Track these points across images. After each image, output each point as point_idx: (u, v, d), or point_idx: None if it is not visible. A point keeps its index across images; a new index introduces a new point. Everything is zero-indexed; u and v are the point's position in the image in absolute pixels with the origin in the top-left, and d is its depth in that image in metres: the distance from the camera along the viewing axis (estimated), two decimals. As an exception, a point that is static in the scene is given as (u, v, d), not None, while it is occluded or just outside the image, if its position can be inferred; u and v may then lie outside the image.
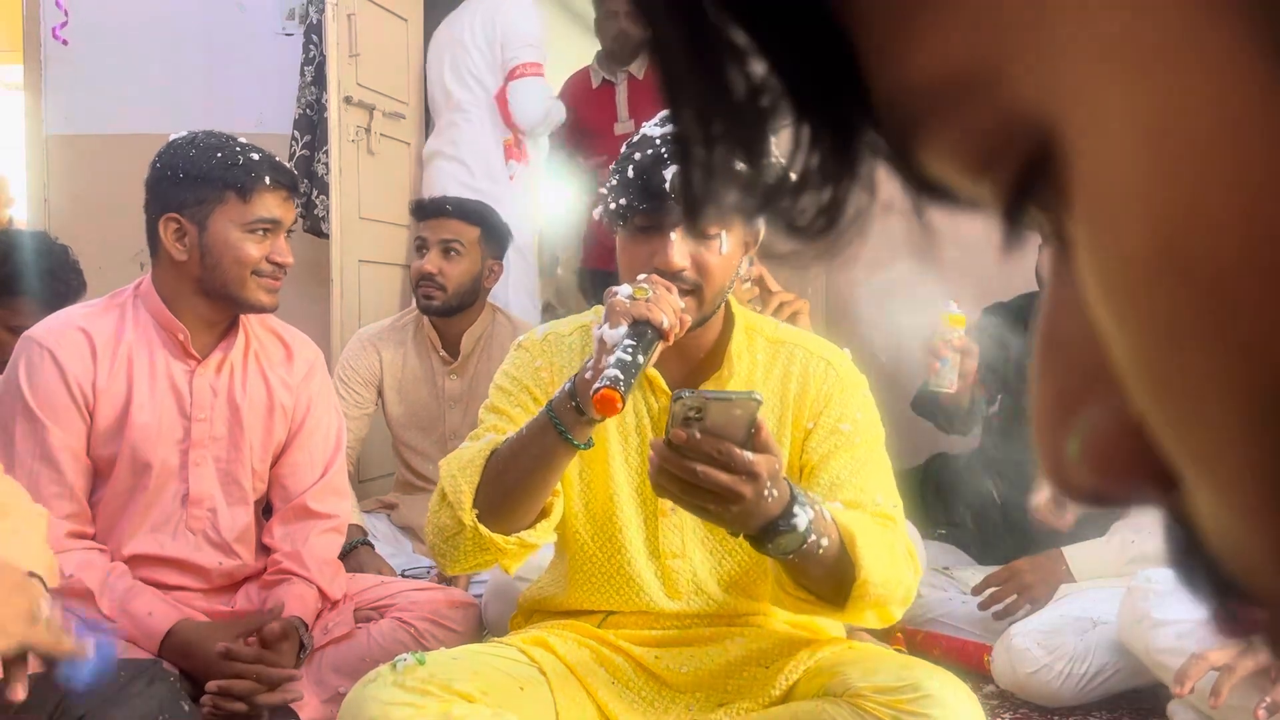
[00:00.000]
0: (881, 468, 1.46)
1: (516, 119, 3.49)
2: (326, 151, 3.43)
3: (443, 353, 2.82)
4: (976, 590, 2.17)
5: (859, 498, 1.40)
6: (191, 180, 1.80)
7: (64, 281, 2.33)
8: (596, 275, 3.68)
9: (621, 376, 1.17)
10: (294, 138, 3.60)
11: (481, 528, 1.33)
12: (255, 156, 1.81)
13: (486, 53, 3.51)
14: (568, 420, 1.28)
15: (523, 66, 3.42)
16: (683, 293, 1.33)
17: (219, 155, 1.80)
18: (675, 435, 1.12)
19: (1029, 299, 2.78)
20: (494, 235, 2.80)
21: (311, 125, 3.58)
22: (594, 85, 3.76)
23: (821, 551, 1.22)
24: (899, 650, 2.01)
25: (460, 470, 1.36)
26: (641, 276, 1.33)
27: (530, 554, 1.41)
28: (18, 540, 1.32)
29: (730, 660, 1.47)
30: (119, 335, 1.84)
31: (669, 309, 1.27)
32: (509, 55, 3.45)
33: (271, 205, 1.82)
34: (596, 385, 1.16)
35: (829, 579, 1.28)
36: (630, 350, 1.21)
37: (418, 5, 3.82)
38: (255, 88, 3.81)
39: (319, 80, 3.53)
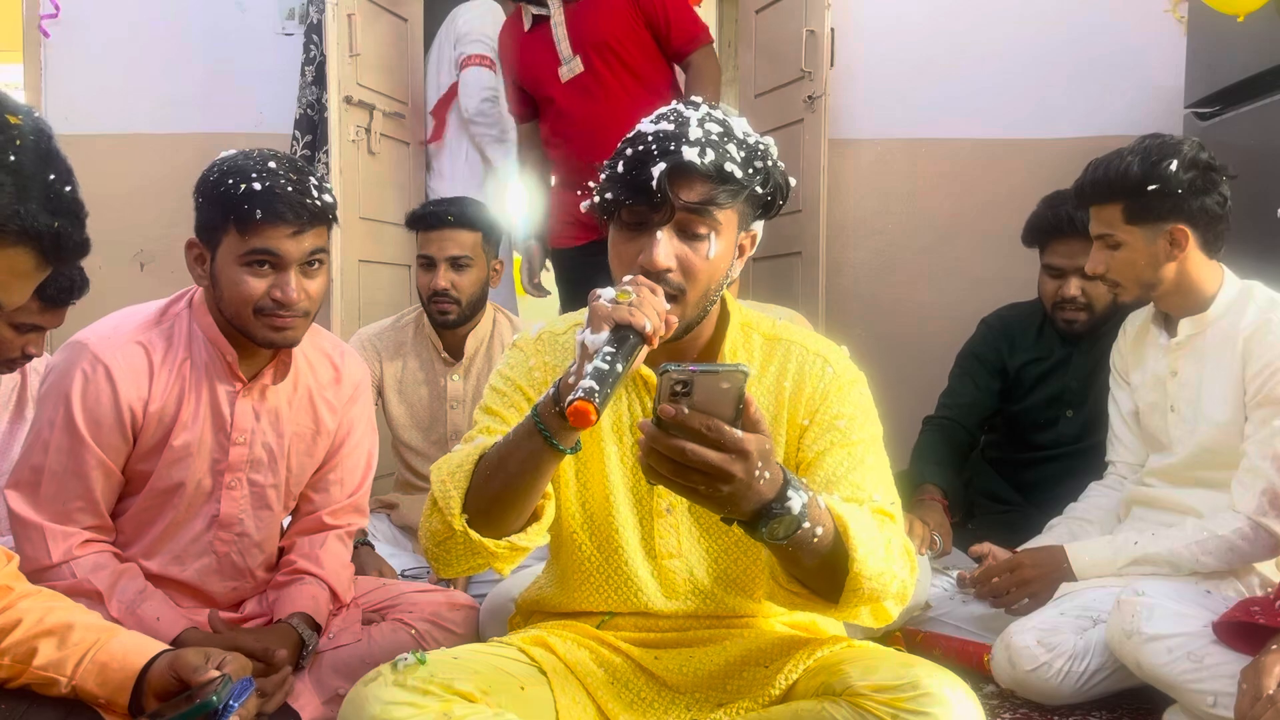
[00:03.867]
0: (879, 465, 1.44)
1: (461, 104, 3.66)
2: (327, 151, 3.43)
3: (445, 354, 2.82)
4: (978, 580, 2.18)
5: (855, 494, 1.37)
6: (204, 206, 1.74)
7: (68, 278, 2.32)
8: (559, 255, 3.47)
9: (596, 388, 1.13)
10: (294, 138, 3.61)
11: (472, 532, 1.33)
12: (258, 187, 1.67)
13: (451, 53, 3.72)
14: (553, 425, 1.26)
15: (469, 58, 3.62)
16: (667, 295, 1.31)
17: (229, 182, 1.69)
18: (663, 410, 1.09)
19: (1030, 309, 2.76)
20: (492, 235, 2.80)
21: (312, 125, 3.58)
22: (526, 28, 3.28)
23: (815, 540, 1.19)
24: (898, 650, 2.01)
25: (449, 475, 1.35)
26: (626, 278, 1.31)
27: (523, 556, 1.39)
28: None
29: (729, 660, 1.46)
30: (174, 352, 1.79)
31: (652, 312, 1.25)
32: (459, 50, 3.66)
33: (270, 239, 1.69)
34: (570, 397, 1.12)
35: (823, 570, 1.26)
36: (609, 358, 1.18)
37: (418, 5, 3.82)
38: (255, 88, 3.82)
39: (319, 80, 3.53)
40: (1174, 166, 2.00)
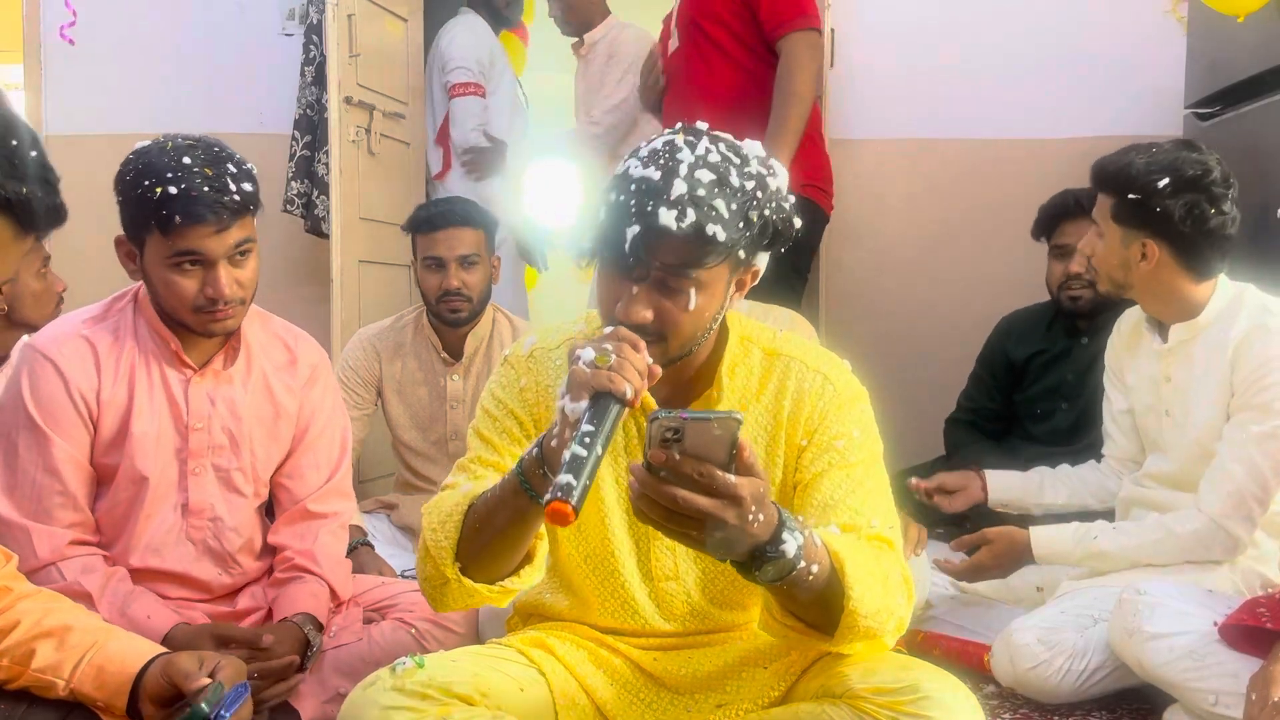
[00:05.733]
0: (879, 488, 1.39)
1: (453, 138, 3.76)
2: (327, 151, 3.43)
3: (444, 354, 2.82)
4: (947, 565, 2.25)
5: (854, 520, 1.34)
6: (125, 206, 1.74)
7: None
8: None
9: (574, 483, 1.07)
10: (294, 138, 3.61)
11: (465, 580, 1.33)
12: (174, 190, 1.66)
13: (440, 79, 3.83)
14: (538, 485, 1.23)
15: (454, 88, 3.74)
16: (649, 341, 1.26)
17: (145, 183, 1.68)
18: (653, 456, 1.06)
19: (1042, 308, 2.81)
20: (491, 232, 2.81)
21: (311, 125, 3.59)
22: None
23: (811, 578, 1.17)
24: (899, 651, 2.01)
25: (440, 524, 1.34)
26: (608, 329, 1.26)
27: (518, 592, 1.39)
28: None
29: (729, 661, 1.46)
30: (120, 344, 1.82)
31: (634, 374, 1.19)
32: (445, 78, 3.76)
33: (193, 240, 1.69)
34: (548, 496, 1.07)
35: (817, 606, 1.24)
36: (587, 440, 1.12)
37: (418, 5, 3.82)
38: (255, 88, 3.82)
39: (319, 80, 3.54)
40: (1163, 183, 1.97)
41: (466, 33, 3.81)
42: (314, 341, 2.03)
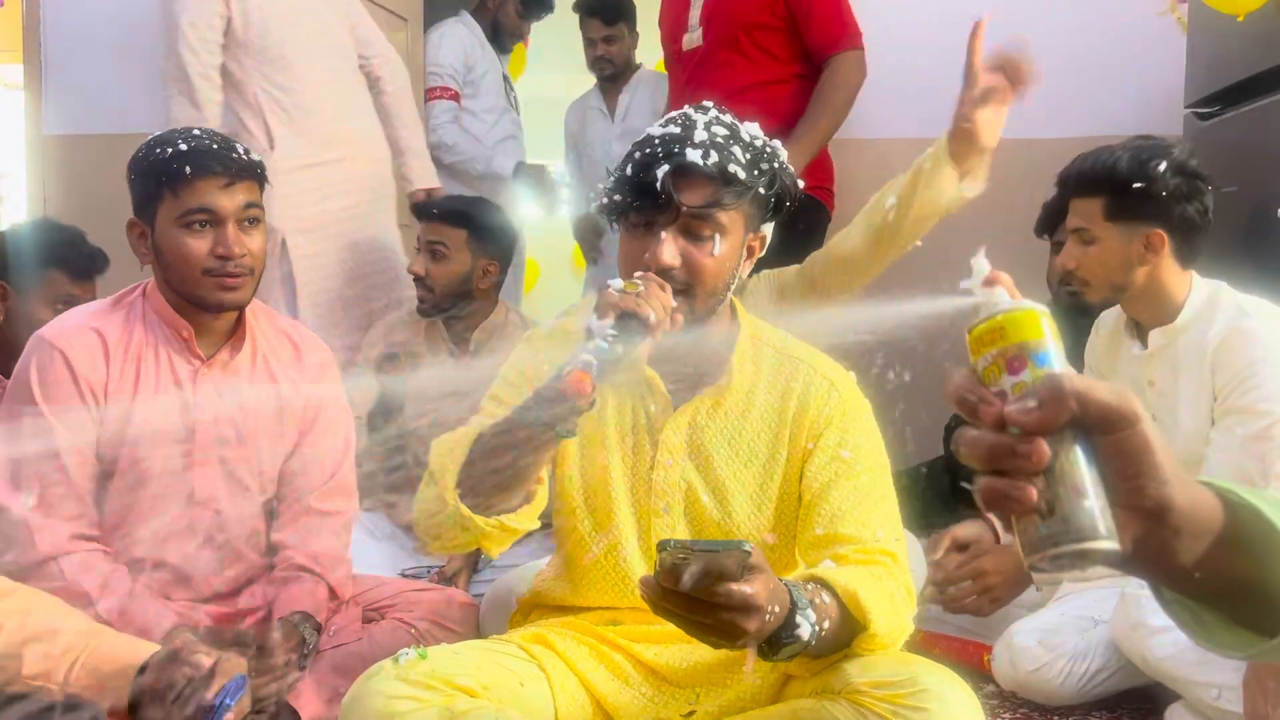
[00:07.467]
0: (884, 499, 1.44)
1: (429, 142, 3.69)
2: (327, 151, 3.42)
3: (451, 346, 2.83)
4: (938, 584, 2.18)
5: (860, 532, 1.39)
6: (137, 182, 1.79)
7: (89, 250, 2.41)
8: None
9: (594, 361, 1.22)
10: (294, 137, 3.59)
11: (463, 508, 1.34)
12: (184, 147, 1.75)
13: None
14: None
15: (428, 91, 3.75)
16: (675, 292, 1.34)
17: (156, 151, 1.76)
18: (664, 580, 1.08)
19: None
20: (484, 235, 2.77)
21: (312, 125, 3.57)
22: None
23: (823, 633, 1.22)
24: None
25: (448, 450, 1.37)
26: (637, 274, 1.34)
27: (511, 538, 1.40)
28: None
29: (729, 657, 1.45)
30: (129, 335, 1.83)
31: (658, 304, 1.29)
32: (426, 84, 3.77)
33: (203, 194, 1.75)
34: (569, 366, 1.20)
35: (828, 644, 1.27)
36: (610, 339, 1.25)
37: (417, 5, 3.82)
38: (255, 88, 3.80)
39: (319, 80, 3.52)
40: (1162, 167, 1.97)
41: (446, 39, 3.81)
42: (318, 339, 2.04)
